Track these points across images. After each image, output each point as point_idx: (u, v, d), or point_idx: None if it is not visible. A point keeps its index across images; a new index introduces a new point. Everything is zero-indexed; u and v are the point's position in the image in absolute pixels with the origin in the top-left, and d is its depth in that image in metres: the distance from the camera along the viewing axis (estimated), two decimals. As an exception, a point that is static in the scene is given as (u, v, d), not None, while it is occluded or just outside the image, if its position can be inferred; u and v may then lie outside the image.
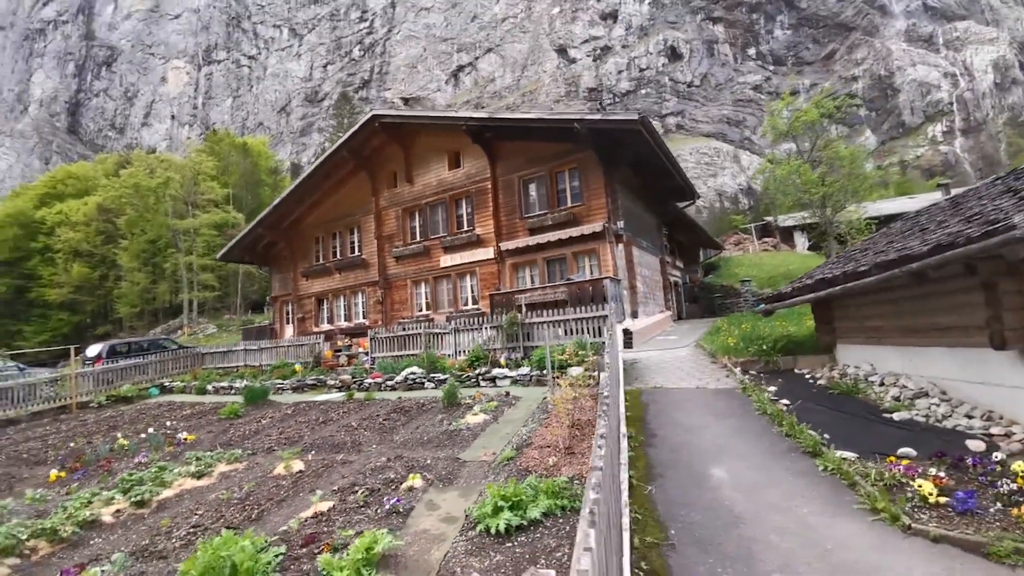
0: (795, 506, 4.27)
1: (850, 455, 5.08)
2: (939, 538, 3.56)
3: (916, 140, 75.71)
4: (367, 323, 17.84)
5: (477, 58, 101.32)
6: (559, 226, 14.49)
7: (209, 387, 14.58)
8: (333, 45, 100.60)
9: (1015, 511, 3.67)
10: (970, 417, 5.59)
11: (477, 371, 10.94)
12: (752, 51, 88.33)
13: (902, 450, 5.09)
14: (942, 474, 4.34)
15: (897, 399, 6.63)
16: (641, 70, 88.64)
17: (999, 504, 3.85)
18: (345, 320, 19.15)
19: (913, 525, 3.69)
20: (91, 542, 4.95)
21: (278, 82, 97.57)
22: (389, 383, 11.61)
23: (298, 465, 6.40)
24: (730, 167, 75.69)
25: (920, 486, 4.01)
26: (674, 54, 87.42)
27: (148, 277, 39.06)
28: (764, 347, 9.53)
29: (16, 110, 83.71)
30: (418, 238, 17.40)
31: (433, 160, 17.09)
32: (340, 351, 16.21)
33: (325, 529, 4.46)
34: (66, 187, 44.96)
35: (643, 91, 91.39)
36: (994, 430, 5.30)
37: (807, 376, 8.73)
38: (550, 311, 12.04)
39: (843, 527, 3.86)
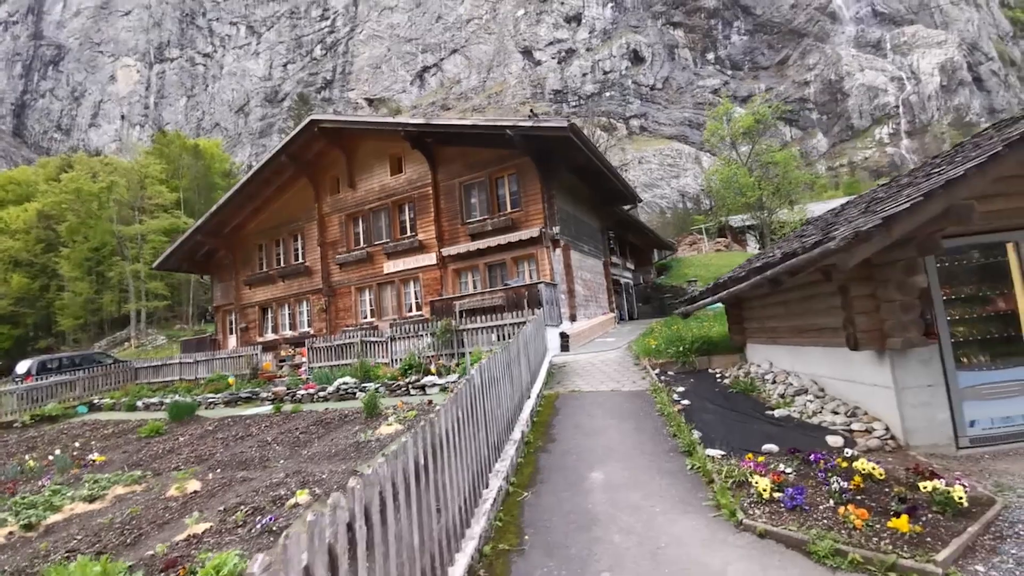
0: (650, 506, 4.48)
1: (717, 453, 5.34)
2: (764, 533, 3.78)
3: (864, 142, 78.97)
4: (312, 332, 17.60)
5: (442, 59, 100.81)
6: (498, 231, 14.64)
7: (139, 403, 14.11)
8: (293, 44, 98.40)
9: (841, 509, 3.89)
10: (835, 413, 5.95)
11: (408, 379, 10.95)
12: (711, 56, 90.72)
13: (766, 447, 5.38)
14: (789, 470, 4.62)
15: (782, 396, 7.00)
16: (605, 73, 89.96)
17: (831, 501, 4.11)
18: (290, 329, 18.83)
19: (744, 521, 3.92)
20: (-22, 564, 4.88)
21: (235, 81, 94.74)
22: (322, 394, 11.50)
23: (193, 485, 6.31)
24: (692, 168, 77.59)
25: (757, 482, 4.26)
26: (636, 57, 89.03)
27: (92, 287, 37.41)
28: (681, 348, 9.88)
29: (-43, 113, 79.13)
30: (362, 244, 17.27)
31: (376, 165, 17.01)
32: (284, 361, 15.95)
33: (192, 552, 4.44)
34: (6, 193, 42.67)
35: (607, 93, 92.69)
36: (855, 426, 5.66)
37: (717, 376, 9.09)
38: (487, 316, 12.17)
39: (685, 524, 4.07)
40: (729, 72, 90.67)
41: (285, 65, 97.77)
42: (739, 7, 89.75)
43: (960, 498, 3.62)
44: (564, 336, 13.70)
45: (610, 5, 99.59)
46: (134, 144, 68.78)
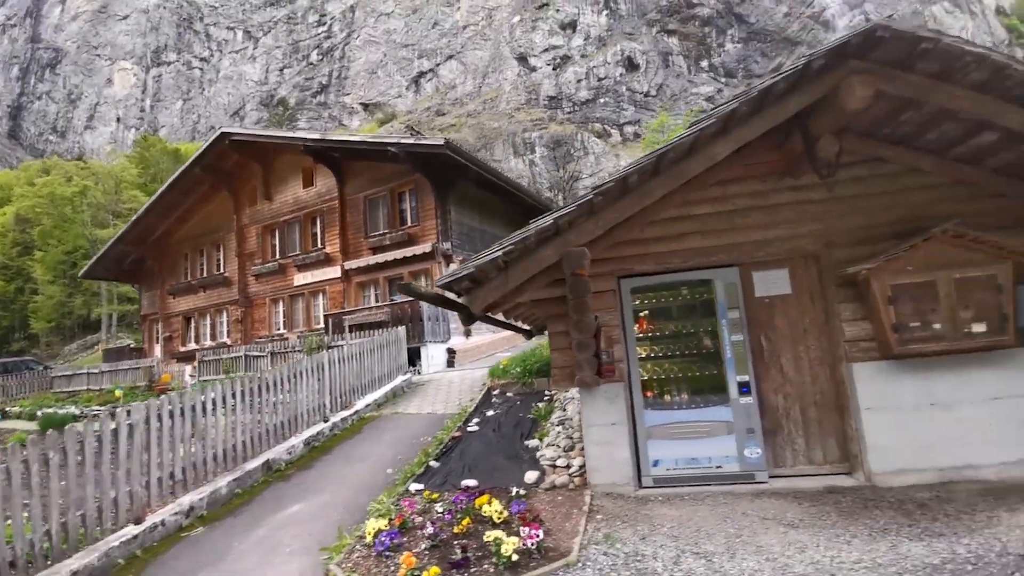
0: (287, 546, 4.51)
1: (418, 487, 5.38)
2: None
3: (855, 150, 78.44)
4: (229, 342, 17.80)
5: (438, 64, 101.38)
6: (397, 245, 14.73)
7: (39, 412, 14.35)
8: (290, 48, 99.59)
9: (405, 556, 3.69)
10: (562, 448, 5.93)
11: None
12: (705, 63, 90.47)
13: (466, 482, 5.40)
14: (440, 509, 4.62)
15: (554, 425, 6.98)
16: (599, 79, 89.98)
17: (422, 546, 3.89)
18: (210, 339, 19.06)
19: (330, 568, 3.93)
20: None
21: (232, 85, 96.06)
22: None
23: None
24: (681, 175, 77.24)
25: (371, 526, 4.27)
26: (631, 64, 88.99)
27: (64, 290, 38.01)
28: (522, 369, 9.87)
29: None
30: (277, 256, 17.47)
31: (291, 178, 17.21)
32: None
33: None
34: (-9, 196, 43.56)
35: (602, 100, 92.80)
36: (560, 462, 5.48)
37: (544, 399, 9.08)
38: (371, 332, 12.25)
39: (288, 567, 4.12)
40: (723, 80, 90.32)
41: (282, 70, 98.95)
42: (733, 15, 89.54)
43: (508, 553, 3.60)
44: (451, 352, 13.74)
45: (605, 12, 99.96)
46: (130, 146, 69.92)
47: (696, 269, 5.13)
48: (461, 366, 13.54)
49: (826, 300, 4.92)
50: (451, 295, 4.45)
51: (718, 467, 4.92)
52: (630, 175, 3.77)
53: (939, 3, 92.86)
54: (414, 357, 13.61)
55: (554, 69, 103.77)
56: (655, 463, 5.04)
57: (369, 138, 14.44)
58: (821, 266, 4.93)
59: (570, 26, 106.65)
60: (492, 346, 15.50)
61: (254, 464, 6.11)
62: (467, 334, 14.64)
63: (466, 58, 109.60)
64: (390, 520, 4.20)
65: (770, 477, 4.89)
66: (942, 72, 3.73)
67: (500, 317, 5.79)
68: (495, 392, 9.65)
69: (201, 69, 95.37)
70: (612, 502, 4.76)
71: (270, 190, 17.61)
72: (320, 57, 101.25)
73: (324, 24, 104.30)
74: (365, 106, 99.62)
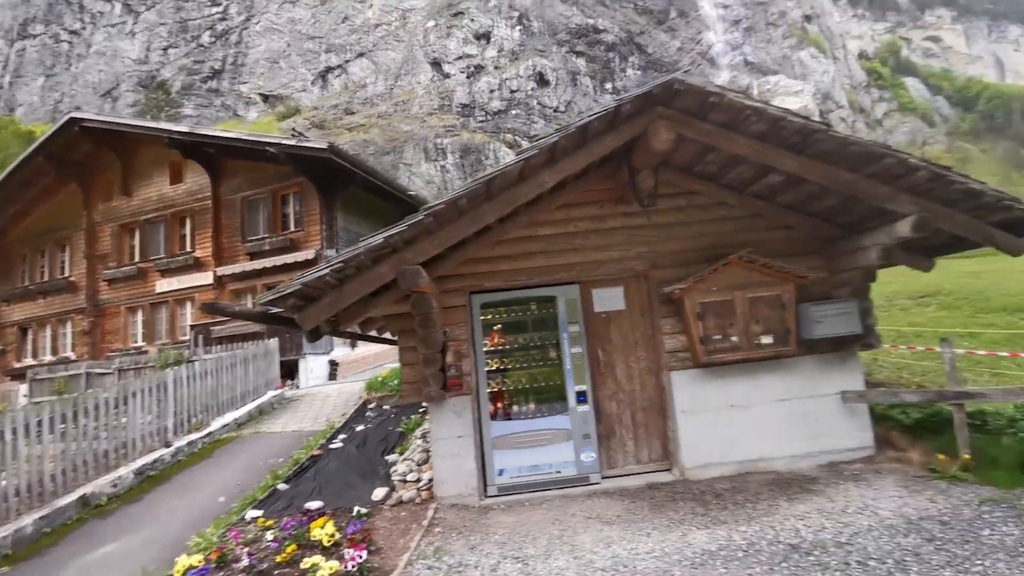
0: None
1: (257, 513, 5.10)
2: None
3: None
4: (74, 356, 15.58)
5: (348, 61, 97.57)
6: (278, 251, 13.89)
7: None
8: (177, 27, 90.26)
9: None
10: (415, 462, 5.97)
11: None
12: (609, 85, 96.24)
13: (312, 504, 5.23)
14: (269, 537, 4.41)
15: (418, 438, 7.00)
16: (512, 91, 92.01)
17: None
18: (51, 353, 16.55)
19: None
20: None
21: (104, 62, 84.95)
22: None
23: None
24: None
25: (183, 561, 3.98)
26: (542, 80, 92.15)
27: None
28: (398, 381, 9.76)
29: None
30: (136, 259, 15.63)
31: (155, 172, 15.54)
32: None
33: None
34: None
35: (513, 111, 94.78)
36: (411, 477, 5.47)
37: (421, 410, 9.05)
38: (245, 343, 11.35)
39: None
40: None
41: (166, 49, 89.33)
42: (634, 44, 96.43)
43: (322, 577, 3.54)
44: (334, 364, 13.20)
45: (518, 28, 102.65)
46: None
47: (542, 286, 5.44)
48: (344, 378, 13.06)
49: (653, 315, 5.46)
50: (281, 311, 4.30)
51: (558, 472, 5.23)
52: (460, 198, 3.93)
53: (807, 49, 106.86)
54: (293, 370, 12.89)
55: (468, 77, 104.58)
56: (500, 472, 5.24)
57: (246, 136, 13.45)
58: (649, 285, 5.47)
59: (484, 37, 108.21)
60: (379, 357, 15.12)
61: (68, 499, 5.40)
62: (352, 345, 14.16)
63: (378, 57, 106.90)
64: (207, 555, 3.94)
65: (603, 478, 5.29)
66: (730, 122, 4.34)
67: (356, 330, 5.69)
68: (371, 405, 9.43)
69: (70, 43, 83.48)
70: (455, 514, 4.86)
71: (129, 185, 15.71)
72: (213, 40, 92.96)
73: (219, 4, 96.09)
74: (265, 97, 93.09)
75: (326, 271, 3.87)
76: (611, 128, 4.28)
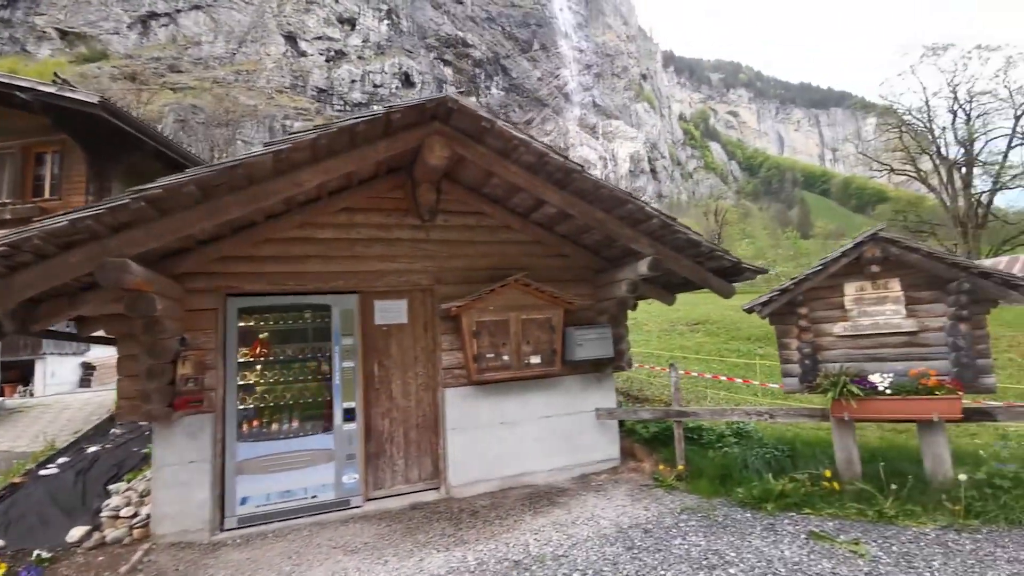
0: None
1: None
2: None
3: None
4: None
5: (179, 11, 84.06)
6: (23, 221, 10.90)
7: None
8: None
9: None
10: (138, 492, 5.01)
11: None
12: (474, 99, 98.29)
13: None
14: None
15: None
16: (375, 86, 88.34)
17: None
18: None
19: None
20: None
21: None
22: None
23: None
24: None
25: None
26: (408, 80, 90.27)
27: None
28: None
29: None
30: None
31: None
32: None
33: None
34: None
35: (375, 107, 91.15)
36: (125, 512, 4.52)
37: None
38: None
39: None
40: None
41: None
42: (500, 65, 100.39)
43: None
44: (88, 367, 10.75)
45: (387, 23, 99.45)
46: None
47: (316, 293, 5.00)
48: (104, 385, 10.71)
49: (435, 331, 5.39)
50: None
51: (314, 497, 4.80)
52: (186, 184, 3.34)
53: (642, 103, 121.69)
54: (27, 373, 10.15)
55: (328, 61, 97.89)
56: (243, 501, 4.62)
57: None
58: (434, 300, 5.39)
59: (349, 23, 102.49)
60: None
61: None
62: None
63: (219, 15, 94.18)
64: None
65: (367, 500, 5.01)
66: (504, 150, 4.48)
67: (71, 330, 4.55)
68: (122, 420, 7.80)
69: None
70: (172, 555, 4.11)
71: None
72: (4, -45, 72.73)
73: (-1, -94, 75.79)
74: (63, 34, 75.27)
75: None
76: (385, 135, 4.10)
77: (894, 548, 3.54)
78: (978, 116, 30.50)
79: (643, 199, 4.56)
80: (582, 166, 4.38)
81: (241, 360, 4.82)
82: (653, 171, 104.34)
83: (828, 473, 4.40)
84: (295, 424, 4.90)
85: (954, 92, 31.06)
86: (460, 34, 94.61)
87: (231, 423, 4.65)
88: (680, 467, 5.22)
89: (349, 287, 5.08)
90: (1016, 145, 29.39)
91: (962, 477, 3.88)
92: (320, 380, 4.99)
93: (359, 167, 4.17)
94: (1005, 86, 28.87)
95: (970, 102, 30.68)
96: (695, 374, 9.58)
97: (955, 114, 31.41)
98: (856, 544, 3.59)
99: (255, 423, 4.81)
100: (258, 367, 4.90)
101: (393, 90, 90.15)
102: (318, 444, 4.86)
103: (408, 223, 5.28)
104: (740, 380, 8.99)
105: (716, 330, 14.60)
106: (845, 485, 4.32)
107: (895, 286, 4.31)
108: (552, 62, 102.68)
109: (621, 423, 6.19)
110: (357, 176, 4.84)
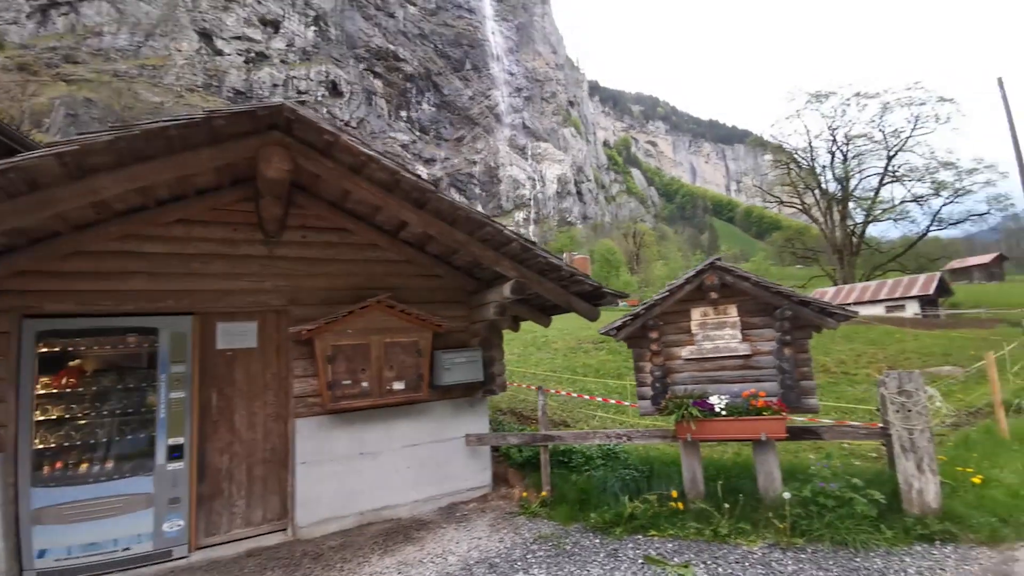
0: None
1: None
2: None
3: (508, 221, 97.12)
4: None
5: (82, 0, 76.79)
6: None
7: None
8: None
9: None
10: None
11: None
12: (404, 114, 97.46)
13: None
14: None
15: None
16: (300, 92, 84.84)
17: None
18: None
19: None
20: None
21: None
22: None
23: None
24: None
25: None
26: (335, 89, 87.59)
27: None
28: None
29: None
30: None
31: None
32: None
33: None
34: None
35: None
36: None
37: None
38: None
39: None
40: (418, 133, 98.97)
41: None
42: (431, 81, 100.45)
43: None
44: None
45: (314, 29, 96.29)
46: None
47: (140, 315, 4.43)
48: None
49: (288, 356, 4.97)
50: None
51: (125, 549, 4.17)
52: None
53: (569, 128, 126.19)
54: None
55: (246, 62, 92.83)
56: (40, 554, 3.92)
57: None
58: (289, 322, 4.98)
59: (272, 25, 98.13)
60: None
61: None
62: None
63: (126, 5, 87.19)
64: None
65: (196, 549, 4.44)
66: (355, 166, 4.25)
67: None
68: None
69: None
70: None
71: None
72: None
73: None
74: (-42, 25, 66.33)
75: None
76: (211, 142, 3.73)
77: (720, 570, 3.63)
78: (854, 156, 34.74)
79: (505, 225, 4.51)
80: (436, 185, 4.26)
81: (42, 392, 4.14)
82: (579, 193, 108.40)
83: (675, 493, 4.50)
84: (108, 465, 4.26)
85: (833, 135, 35.21)
86: (392, 47, 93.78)
87: (24, 465, 3.95)
88: (544, 493, 5.14)
89: (182, 308, 4.56)
90: (887, 183, 33.75)
91: (786, 495, 4.08)
92: (142, 414, 4.40)
93: (180, 175, 3.76)
94: (880, 130, 33.13)
95: (847, 144, 34.89)
96: (586, 397, 9.73)
97: (833, 155, 35.55)
98: (685, 567, 3.64)
99: (58, 465, 4.13)
100: (64, 400, 4.23)
101: (319, 97, 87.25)
102: (133, 488, 4.25)
103: (259, 239, 4.88)
104: (628, 403, 9.23)
105: (620, 348, 15.08)
106: (689, 504, 4.43)
107: (733, 312, 4.55)
108: (484, 83, 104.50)
109: (495, 448, 6.05)
110: (194, 185, 4.40)
